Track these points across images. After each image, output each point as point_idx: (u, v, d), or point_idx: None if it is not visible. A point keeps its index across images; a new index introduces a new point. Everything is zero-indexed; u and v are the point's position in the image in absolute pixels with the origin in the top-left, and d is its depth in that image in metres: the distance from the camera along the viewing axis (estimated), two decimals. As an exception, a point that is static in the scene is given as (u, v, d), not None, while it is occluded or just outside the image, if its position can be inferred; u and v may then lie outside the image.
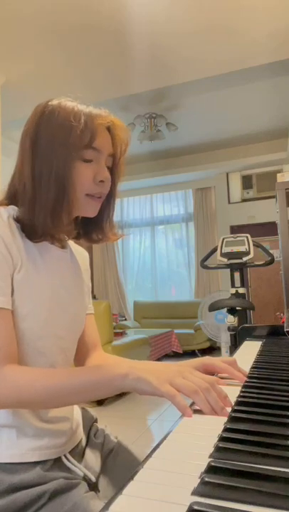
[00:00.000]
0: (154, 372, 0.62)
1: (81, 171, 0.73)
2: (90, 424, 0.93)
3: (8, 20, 3.07)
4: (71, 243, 0.89)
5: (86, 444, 0.87)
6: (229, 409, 0.57)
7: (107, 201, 0.82)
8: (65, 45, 3.38)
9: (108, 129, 0.76)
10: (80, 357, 0.91)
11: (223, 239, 3.24)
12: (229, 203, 6.54)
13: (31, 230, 0.73)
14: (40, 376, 0.66)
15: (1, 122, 3.88)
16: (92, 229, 0.85)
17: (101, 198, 0.78)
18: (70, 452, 0.79)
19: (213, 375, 0.73)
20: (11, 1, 2.89)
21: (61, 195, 0.72)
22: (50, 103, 0.75)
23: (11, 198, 0.78)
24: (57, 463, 0.74)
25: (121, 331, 4.53)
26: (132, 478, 0.38)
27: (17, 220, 0.74)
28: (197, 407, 0.58)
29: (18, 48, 3.41)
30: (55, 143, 0.72)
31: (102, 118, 0.74)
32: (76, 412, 0.85)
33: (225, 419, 0.52)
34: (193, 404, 0.59)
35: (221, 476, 0.37)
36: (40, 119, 0.74)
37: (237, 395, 0.63)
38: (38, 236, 0.74)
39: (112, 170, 0.80)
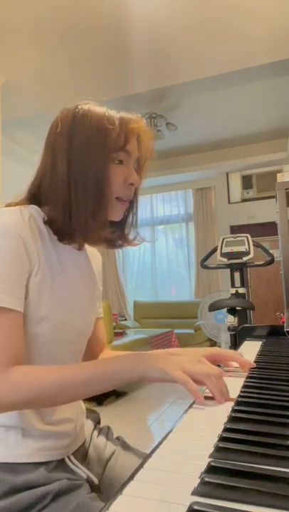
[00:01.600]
0: (164, 360, 0.63)
1: (115, 173, 0.74)
2: (93, 424, 0.93)
3: (8, 20, 3.07)
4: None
5: (89, 445, 0.87)
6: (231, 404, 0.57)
7: (130, 206, 0.82)
8: (65, 45, 3.38)
9: (138, 134, 0.77)
10: (90, 358, 0.92)
11: (223, 239, 3.24)
12: (229, 203, 6.54)
13: (66, 232, 0.74)
14: (47, 373, 0.66)
15: (1, 122, 3.88)
16: (115, 234, 0.84)
17: (127, 201, 0.79)
18: (73, 454, 0.79)
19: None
20: (11, 1, 2.89)
21: (98, 197, 0.72)
22: (80, 107, 0.75)
23: (32, 199, 0.77)
24: (60, 464, 0.74)
25: (121, 331, 4.53)
26: (132, 478, 0.38)
27: (49, 222, 0.73)
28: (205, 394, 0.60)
29: (18, 48, 3.41)
30: (91, 145, 0.72)
31: (135, 122, 0.76)
32: (80, 413, 0.85)
33: (225, 419, 0.52)
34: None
35: (221, 476, 0.37)
36: (73, 122, 0.74)
37: (237, 395, 0.63)
38: (72, 238, 0.75)
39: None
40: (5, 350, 0.65)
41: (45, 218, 0.73)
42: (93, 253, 0.92)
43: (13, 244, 0.67)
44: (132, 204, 0.83)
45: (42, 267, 0.71)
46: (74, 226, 0.73)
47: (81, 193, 0.72)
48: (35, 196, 0.77)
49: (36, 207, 0.75)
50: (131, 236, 0.86)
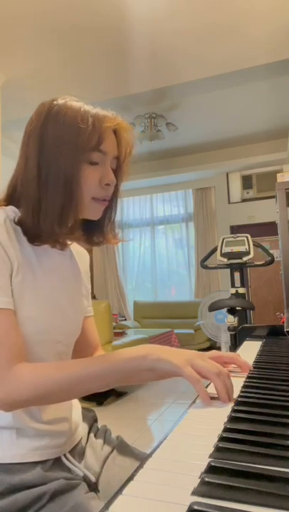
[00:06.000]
0: (173, 353, 0.64)
1: (88, 174, 0.72)
2: (90, 423, 0.92)
3: (8, 20, 3.07)
4: (72, 244, 0.88)
5: (86, 444, 0.87)
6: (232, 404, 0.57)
7: (110, 203, 0.80)
8: (65, 45, 3.38)
9: (114, 131, 0.75)
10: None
11: (223, 239, 3.24)
12: (229, 203, 6.54)
13: (34, 233, 0.72)
14: (54, 368, 0.67)
15: (1, 122, 3.88)
16: (93, 231, 0.83)
17: (105, 201, 0.77)
18: (70, 452, 0.79)
19: None
20: (11, 1, 2.89)
21: (68, 199, 0.70)
22: (55, 102, 0.72)
23: (10, 199, 0.76)
24: (57, 463, 0.74)
25: (121, 331, 4.53)
26: (131, 478, 0.38)
27: (19, 223, 0.72)
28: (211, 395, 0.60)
29: (18, 48, 3.41)
30: (62, 144, 0.70)
31: (110, 120, 0.72)
32: (75, 412, 0.85)
33: (225, 419, 0.52)
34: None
35: (221, 476, 0.37)
36: (46, 119, 0.71)
37: (238, 395, 0.63)
38: (41, 240, 0.73)
39: (116, 172, 0.78)
40: (7, 348, 0.65)
41: (15, 219, 0.72)
42: (80, 252, 0.91)
43: None
44: (111, 202, 0.80)
45: (22, 268, 0.70)
46: (41, 228, 0.71)
47: (50, 195, 0.70)
48: (11, 197, 0.76)
49: (14, 208, 0.74)
50: (110, 234, 0.84)
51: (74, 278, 0.85)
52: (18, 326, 0.69)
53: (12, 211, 0.74)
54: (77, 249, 0.90)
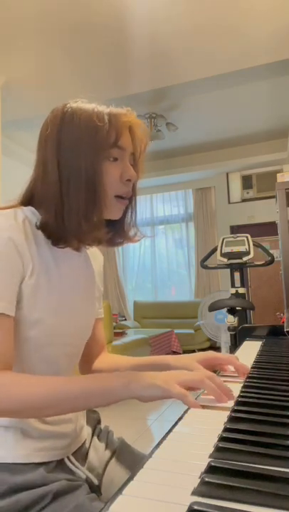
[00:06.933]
0: (159, 377, 0.62)
1: (109, 170, 0.72)
2: (93, 425, 0.92)
3: (8, 20, 3.07)
4: None
5: (89, 446, 0.87)
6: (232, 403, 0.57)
7: (129, 203, 0.80)
8: (65, 45, 3.38)
9: (129, 127, 0.75)
10: (88, 359, 0.91)
11: (223, 239, 3.24)
12: (229, 203, 6.53)
13: (59, 235, 0.72)
14: (38, 384, 0.64)
15: (0, 122, 3.88)
16: (114, 232, 0.82)
17: (126, 199, 0.77)
18: (73, 454, 0.79)
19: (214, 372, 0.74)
20: (12, 1, 2.89)
21: (92, 197, 0.70)
22: (68, 105, 0.73)
23: (27, 202, 0.76)
24: (60, 465, 0.74)
25: (121, 331, 4.53)
26: (132, 478, 0.38)
27: (42, 226, 0.71)
28: (203, 403, 0.60)
29: (18, 47, 3.41)
30: (81, 144, 0.70)
31: (125, 116, 0.73)
32: (80, 414, 0.85)
33: (225, 419, 0.52)
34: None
35: (221, 476, 0.37)
36: (62, 122, 0.72)
37: (238, 395, 0.63)
38: (66, 240, 0.72)
39: (133, 169, 0.78)
40: None
41: (37, 223, 0.71)
42: (94, 253, 0.90)
43: (1, 247, 0.66)
44: (130, 201, 0.80)
45: (37, 270, 0.70)
46: (67, 229, 0.71)
47: (73, 194, 0.70)
48: (29, 200, 0.76)
49: (33, 208, 0.74)
50: (131, 233, 0.84)
51: (88, 281, 0.84)
52: (21, 333, 0.69)
53: (31, 212, 0.73)
54: (92, 250, 0.89)
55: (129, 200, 0.79)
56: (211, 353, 0.77)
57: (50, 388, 0.63)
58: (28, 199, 0.76)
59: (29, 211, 0.73)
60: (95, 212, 0.71)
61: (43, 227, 0.71)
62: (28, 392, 0.62)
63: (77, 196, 0.70)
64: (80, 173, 0.70)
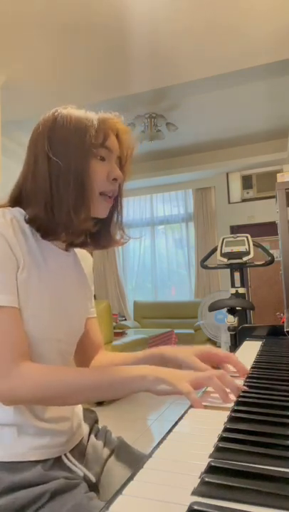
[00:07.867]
0: (170, 373, 0.65)
1: (97, 169, 0.76)
2: (91, 424, 0.93)
3: (8, 20, 3.07)
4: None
5: (87, 444, 0.87)
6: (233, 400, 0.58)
7: (115, 203, 0.83)
8: (65, 45, 3.38)
9: (116, 133, 0.79)
10: (85, 359, 0.92)
11: (223, 239, 3.24)
12: (229, 203, 6.54)
13: (49, 228, 0.75)
14: (58, 373, 0.69)
15: (0, 122, 3.88)
16: (100, 234, 0.85)
17: (112, 197, 0.80)
18: (71, 452, 0.79)
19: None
20: (12, 1, 2.89)
21: (80, 193, 0.74)
22: (59, 110, 0.77)
23: (16, 201, 0.78)
24: (57, 462, 0.74)
25: (121, 331, 4.53)
26: (132, 478, 0.38)
27: (31, 220, 0.74)
28: (206, 403, 0.60)
29: (18, 47, 3.41)
30: (71, 142, 0.74)
31: (113, 120, 0.78)
32: (77, 411, 0.85)
33: (225, 419, 0.52)
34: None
35: (221, 476, 0.37)
36: (54, 124, 0.76)
37: (238, 395, 0.63)
38: (56, 233, 0.76)
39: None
40: (10, 347, 0.67)
41: (26, 217, 0.75)
42: (83, 255, 0.93)
43: None
44: (116, 202, 0.83)
45: (27, 265, 0.72)
46: (57, 221, 0.74)
47: (62, 189, 0.73)
48: (17, 199, 0.79)
49: (20, 209, 0.77)
50: (117, 235, 0.86)
51: (78, 279, 0.86)
52: (23, 323, 0.70)
53: (19, 212, 0.76)
54: (81, 252, 0.92)
55: (115, 200, 0.82)
56: (209, 348, 0.78)
57: (77, 377, 0.69)
58: (16, 197, 0.79)
59: (17, 211, 0.76)
60: (83, 207, 0.74)
61: (32, 220, 0.74)
62: (52, 380, 0.67)
63: (66, 191, 0.73)
64: (69, 170, 0.73)
